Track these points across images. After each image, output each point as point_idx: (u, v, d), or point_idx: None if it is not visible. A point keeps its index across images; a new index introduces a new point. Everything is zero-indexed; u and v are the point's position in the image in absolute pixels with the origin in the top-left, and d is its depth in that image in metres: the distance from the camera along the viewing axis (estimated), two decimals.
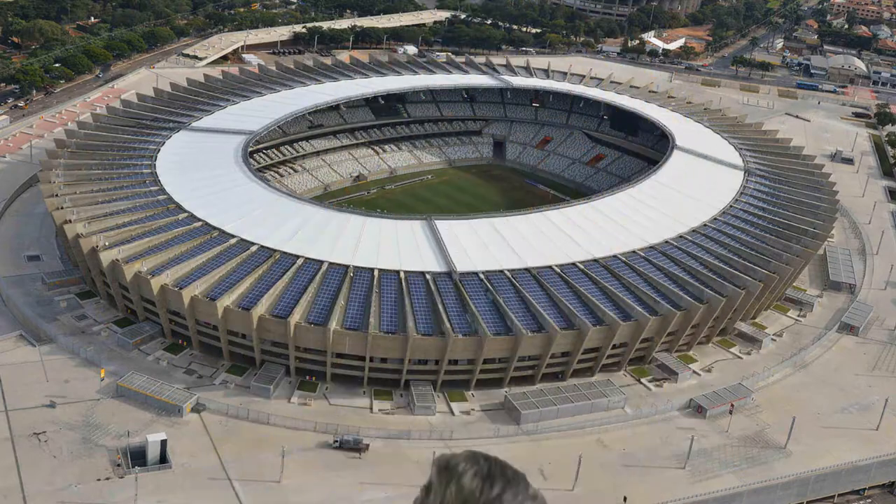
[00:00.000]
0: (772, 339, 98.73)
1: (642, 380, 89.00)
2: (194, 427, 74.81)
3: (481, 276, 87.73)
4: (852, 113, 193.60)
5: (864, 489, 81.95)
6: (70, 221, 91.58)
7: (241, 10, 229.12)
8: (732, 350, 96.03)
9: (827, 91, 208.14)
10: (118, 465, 68.85)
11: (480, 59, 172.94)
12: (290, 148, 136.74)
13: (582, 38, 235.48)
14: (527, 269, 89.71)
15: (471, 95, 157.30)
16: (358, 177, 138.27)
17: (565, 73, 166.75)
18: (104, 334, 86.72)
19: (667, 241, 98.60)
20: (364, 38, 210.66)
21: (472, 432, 78.11)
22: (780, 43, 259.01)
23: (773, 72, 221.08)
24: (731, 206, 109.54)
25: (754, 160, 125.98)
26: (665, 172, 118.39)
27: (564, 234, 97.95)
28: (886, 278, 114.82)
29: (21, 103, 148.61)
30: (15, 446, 70.02)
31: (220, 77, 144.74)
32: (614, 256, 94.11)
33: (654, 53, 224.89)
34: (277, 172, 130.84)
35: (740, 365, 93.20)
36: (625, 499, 71.97)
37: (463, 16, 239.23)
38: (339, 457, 73.04)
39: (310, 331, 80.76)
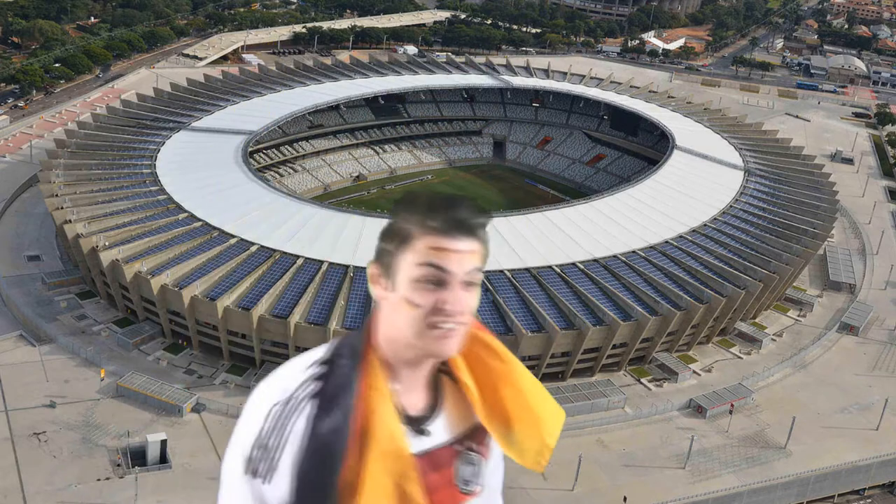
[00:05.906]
0: (772, 339, 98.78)
1: (642, 380, 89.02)
2: (194, 427, 74.82)
3: None
4: (852, 113, 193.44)
5: (864, 489, 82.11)
6: (70, 221, 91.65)
7: (241, 10, 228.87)
8: (732, 350, 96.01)
9: (827, 91, 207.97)
10: (118, 465, 68.93)
11: (480, 59, 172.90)
12: (290, 148, 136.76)
13: (582, 38, 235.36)
14: (527, 269, 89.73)
15: (471, 95, 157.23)
16: (358, 177, 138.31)
17: (565, 73, 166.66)
18: (104, 334, 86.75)
19: (667, 241, 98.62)
20: (364, 38, 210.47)
21: None
22: (780, 43, 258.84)
23: (773, 72, 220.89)
24: (731, 206, 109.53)
25: (754, 160, 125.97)
26: (665, 172, 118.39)
27: (564, 234, 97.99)
28: (886, 278, 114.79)
29: (21, 103, 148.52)
30: (15, 446, 70.10)
31: (220, 77, 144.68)
32: (614, 256, 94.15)
33: (654, 53, 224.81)
34: (277, 172, 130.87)
35: (740, 365, 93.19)
36: (625, 499, 72.06)
37: (463, 16, 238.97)
38: None
39: (310, 331, 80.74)
